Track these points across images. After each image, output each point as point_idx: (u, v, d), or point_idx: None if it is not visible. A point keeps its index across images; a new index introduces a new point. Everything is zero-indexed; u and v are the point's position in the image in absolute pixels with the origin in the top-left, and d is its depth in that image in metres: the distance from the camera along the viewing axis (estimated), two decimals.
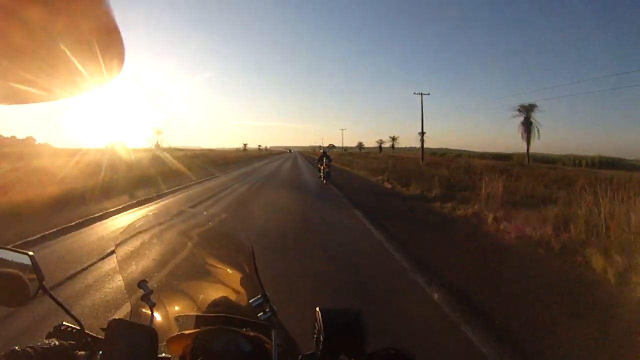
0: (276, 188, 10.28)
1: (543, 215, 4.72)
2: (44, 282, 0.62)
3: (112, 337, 0.57)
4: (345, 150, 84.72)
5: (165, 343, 0.64)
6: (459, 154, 64.55)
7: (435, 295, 2.63)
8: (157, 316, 0.68)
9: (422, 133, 27.60)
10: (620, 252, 3.07)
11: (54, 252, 3.78)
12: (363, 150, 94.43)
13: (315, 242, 4.20)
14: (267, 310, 0.65)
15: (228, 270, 0.73)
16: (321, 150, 11.49)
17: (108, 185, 8.14)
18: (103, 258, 3.42)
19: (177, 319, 0.71)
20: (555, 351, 1.95)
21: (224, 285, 0.73)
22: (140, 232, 0.72)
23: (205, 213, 0.85)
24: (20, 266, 0.63)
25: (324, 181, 10.58)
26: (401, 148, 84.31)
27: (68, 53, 0.27)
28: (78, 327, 0.63)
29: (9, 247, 0.64)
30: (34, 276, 0.60)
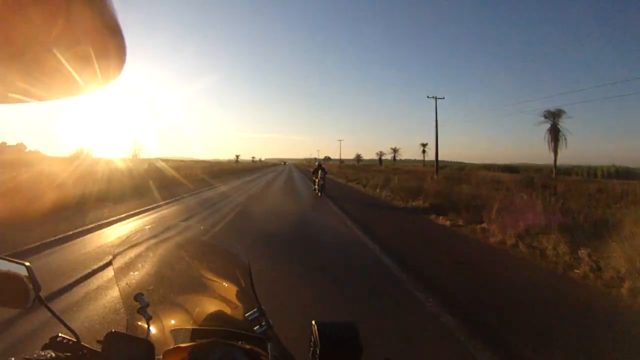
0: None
1: None
2: (40, 293, 0.66)
3: (108, 350, 0.59)
4: (341, 162, 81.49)
5: (161, 356, 0.65)
6: (462, 167, 64.22)
7: None
8: (154, 329, 0.70)
9: (437, 142, 24.72)
10: None
11: None
12: (361, 163, 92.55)
13: None
14: (263, 323, 0.68)
15: (224, 283, 0.76)
16: (316, 163, 11.80)
17: None
18: None
19: (173, 332, 0.73)
20: None
21: (220, 298, 0.75)
22: (136, 245, 0.76)
23: (202, 228, 0.89)
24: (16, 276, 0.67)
25: (319, 194, 10.85)
26: (402, 160, 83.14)
27: (65, 57, 0.27)
28: (74, 339, 0.64)
29: (5, 257, 0.67)
30: (31, 286, 0.64)
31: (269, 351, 0.62)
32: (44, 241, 4.59)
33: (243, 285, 0.72)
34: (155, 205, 8.62)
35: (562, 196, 9.47)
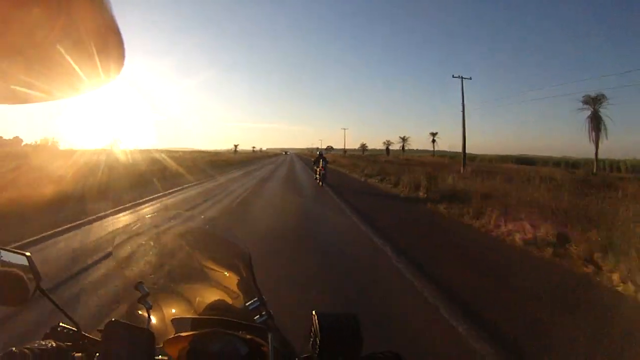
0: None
1: None
2: (40, 283, 0.70)
3: (109, 339, 0.62)
4: (345, 152, 77.36)
5: (161, 345, 0.68)
6: (473, 158, 63.02)
7: None
8: (154, 318, 0.73)
9: (464, 129, 21.23)
10: None
11: None
12: (367, 153, 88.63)
13: None
14: (263, 313, 0.70)
15: (225, 273, 0.79)
16: (317, 153, 12.35)
17: None
18: None
19: (173, 321, 0.76)
20: None
21: (221, 288, 0.78)
22: (136, 234, 0.79)
23: (202, 217, 0.92)
24: (17, 267, 0.70)
25: (320, 183, 11.31)
26: (410, 150, 79.71)
27: (67, 54, 0.28)
28: (75, 329, 0.67)
29: (5, 248, 0.70)
30: (31, 277, 0.66)
31: (270, 341, 0.64)
32: None
33: (244, 274, 0.74)
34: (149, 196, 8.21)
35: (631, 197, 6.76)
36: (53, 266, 3.46)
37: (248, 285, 0.73)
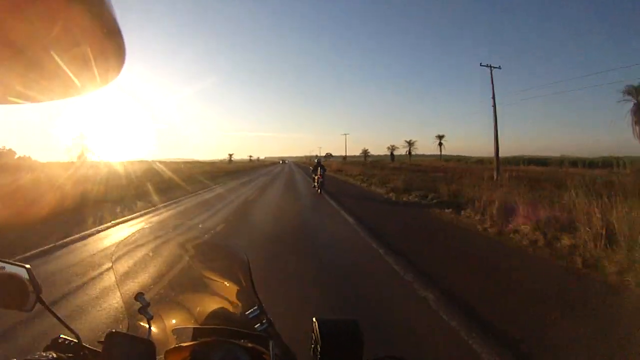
0: None
1: None
2: (41, 295, 0.73)
3: (109, 350, 0.64)
4: (344, 159, 74.02)
5: (162, 356, 0.69)
6: (480, 160, 61.78)
7: None
8: (155, 329, 0.75)
9: (495, 128, 17.56)
10: None
11: None
12: (369, 159, 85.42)
13: None
14: (263, 321, 0.73)
15: (224, 282, 0.81)
16: (315, 160, 12.54)
17: None
18: None
19: (174, 331, 0.78)
20: None
21: (221, 297, 0.80)
22: (136, 245, 0.83)
23: (200, 226, 0.96)
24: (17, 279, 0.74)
25: (319, 190, 11.54)
26: (416, 155, 73.33)
27: (66, 55, 0.29)
28: (75, 340, 0.69)
29: (5, 260, 0.73)
30: (32, 289, 0.68)
31: (271, 349, 0.66)
32: None
33: (243, 283, 0.77)
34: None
35: None
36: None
37: (248, 294, 0.76)
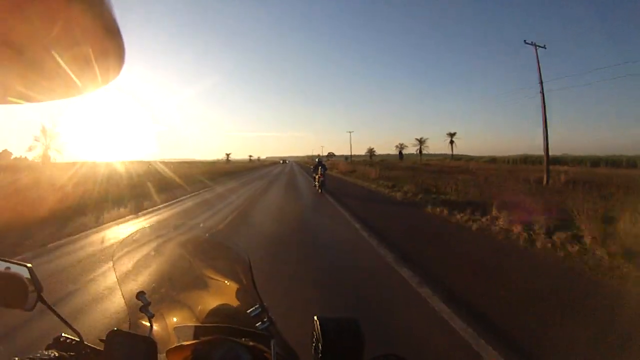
0: None
1: None
2: (42, 294, 0.76)
3: (111, 349, 0.65)
4: (346, 159, 66.51)
5: (164, 354, 0.71)
6: (493, 159, 60.09)
7: None
8: (156, 327, 0.76)
9: (545, 119, 14.44)
10: None
11: None
12: (375, 158, 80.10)
13: None
14: (265, 319, 0.74)
15: (225, 281, 0.83)
16: (316, 160, 13.00)
17: None
18: None
19: (176, 329, 0.79)
20: None
21: (222, 295, 0.82)
22: (137, 244, 0.86)
23: (202, 225, 0.99)
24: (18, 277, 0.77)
25: (319, 190, 11.91)
26: (425, 155, 69.72)
27: (66, 55, 0.30)
28: (77, 339, 0.71)
29: (6, 259, 0.72)
30: (33, 288, 0.70)
31: (272, 347, 0.68)
32: None
33: (244, 281, 0.78)
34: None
35: None
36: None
37: (249, 292, 0.78)
